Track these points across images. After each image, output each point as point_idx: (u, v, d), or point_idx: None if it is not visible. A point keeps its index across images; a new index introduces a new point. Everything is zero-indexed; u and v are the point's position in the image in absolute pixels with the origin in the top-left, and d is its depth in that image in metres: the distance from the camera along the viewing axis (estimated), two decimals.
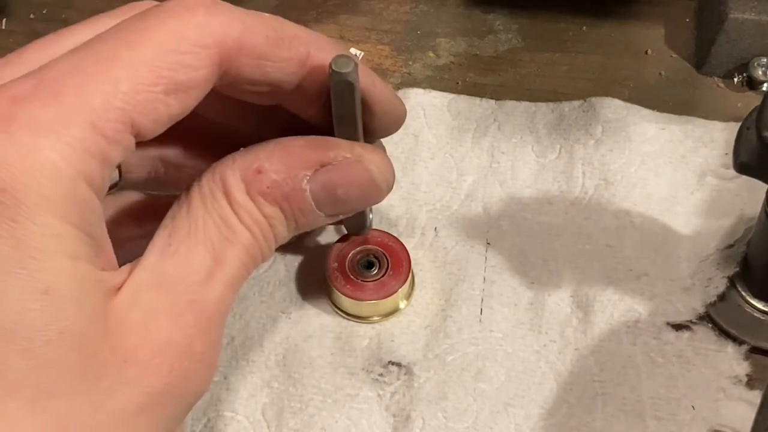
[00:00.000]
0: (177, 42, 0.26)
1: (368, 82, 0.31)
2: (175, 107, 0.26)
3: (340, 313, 0.39)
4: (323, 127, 0.32)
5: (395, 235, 0.40)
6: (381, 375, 0.37)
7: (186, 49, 0.26)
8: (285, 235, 0.30)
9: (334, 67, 0.29)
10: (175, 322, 0.26)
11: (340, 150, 0.30)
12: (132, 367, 0.25)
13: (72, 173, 0.24)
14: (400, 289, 0.38)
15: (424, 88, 0.46)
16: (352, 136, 0.32)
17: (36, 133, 0.23)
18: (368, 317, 0.38)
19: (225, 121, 0.34)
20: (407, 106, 0.44)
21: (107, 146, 0.25)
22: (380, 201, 0.33)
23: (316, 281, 0.39)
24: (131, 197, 0.34)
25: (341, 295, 0.38)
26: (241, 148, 0.29)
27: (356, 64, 0.29)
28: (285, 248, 0.41)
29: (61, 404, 0.23)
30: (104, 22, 0.28)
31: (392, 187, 0.33)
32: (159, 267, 0.26)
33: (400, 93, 0.45)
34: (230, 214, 0.28)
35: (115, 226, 0.31)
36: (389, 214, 0.42)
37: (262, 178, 0.28)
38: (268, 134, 0.30)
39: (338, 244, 0.39)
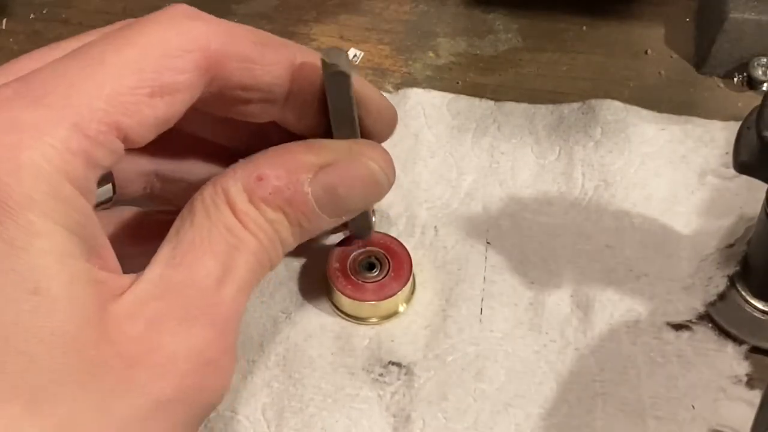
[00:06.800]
0: (161, 46, 0.26)
1: (359, 81, 0.31)
2: (162, 110, 0.26)
3: (340, 313, 0.39)
4: (319, 138, 0.32)
5: (395, 233, 0.40)
6: (381, 375, 0.37)
7: (170, 52, 0.26)
8: (291, 241, 0.30)
9: (326, 59, 0.29)
10: (186, 327, 0.26)
11: (339, 150, 0.30)
12: (139, 373, 0.25)
13: (53, 172, 0.24)
14: (400, 292, 0.38)
15: (424, 88, 0.46)
16: (349, 134, 0.32)
17: (17, 134, 0.23)
18: (368, 318, 0.38)
19: (219, 141, 0.34)
20: (407, 106, 0.45)
21: (91, 147, 0.25)
22: (382, 197, 0.33)
23: (316, 281, 0.39)
24: (128, 214, 0.34)
25: (341, 295, 0.38)
26: (240, 159, 0.29)
27: (347, 55, 0.29)
28: None
29: (62, 408, 0.23)
30: (92, 37, 0.28)
31: (393, 183, 0.33)
32: (165, 277, 0.26)
33: (400, 93, 0.45)
34: (235, 223, 0.28)
35: (113, 243, 0.31)
36: (389, 212, 0.42)
37: (263, 184, 0.28)
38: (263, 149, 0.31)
39: (341, 244, 0.39)
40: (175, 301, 0.26)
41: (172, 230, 0.28)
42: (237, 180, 0.28)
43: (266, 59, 0.29)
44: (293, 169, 0.29)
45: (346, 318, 0.38)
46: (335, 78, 0.29)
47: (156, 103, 0.26)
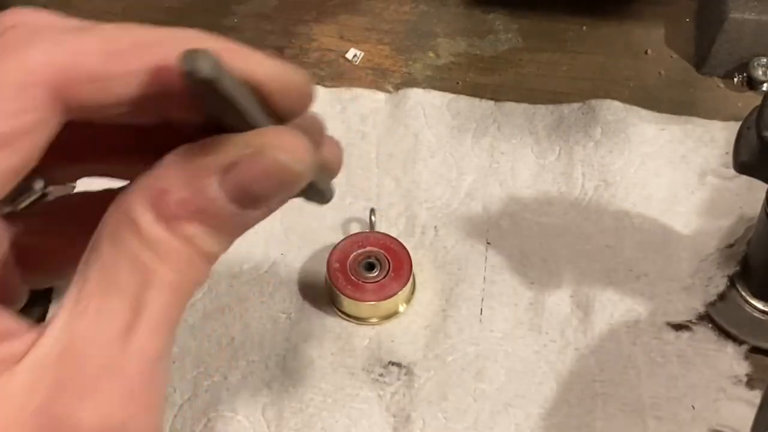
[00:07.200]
0: None
1: (248, 60, 0.26)
2: (10, 160, 0.23)
3: (340, 313, 0.39)
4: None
5: (395, 233, 0.40)
6: (381, 375, 0.37)
7: (5, 93, 0.23)
8: (217, 248, 0.26)
9: (185, 67, 0.23)
10: (89, 392, 0.23)
11: (239, 146, 0.26)
12: None
13: None
14: (400, 292, 0.38)
15: (424, 88, 0.46)
16: (250, 126, 0.26)
17: None
18: (368, 318, 0.38)
19: (138, 133, 0.29)
20: (407, 106, 0.45)
21: None
22: (305, 182, 0.29)
23: (316, 282, 0.39)
24: (75, 200, 0.31)
25: (341, 295, 0.38)
26: (145, 171, 0.26)
27: (211, 54, 0.23)
28: (286, 249, 0.41)
29: None
30: None
31: (312, 164, 0.28)
32: (67, 331, 0.23)
33: (400, 93, 0.45)
34: (144, 252, 0.24)
35: (67, 240, 0.28)
36: (389, 212, 0.42)
37: (168, 198, 0.25)
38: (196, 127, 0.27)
39: (341, 244, 0.39)
40: (77, 362, 0.23)
41: (81, 263, 0.25)
42: (140, 197, 0.25)
43: (119, 71, 0.25)
44: (196, 175, 0.25)
45: (346, 318, 0.38)
46: (199, 87, 0.24)
47: (2, 155, 0.23)
